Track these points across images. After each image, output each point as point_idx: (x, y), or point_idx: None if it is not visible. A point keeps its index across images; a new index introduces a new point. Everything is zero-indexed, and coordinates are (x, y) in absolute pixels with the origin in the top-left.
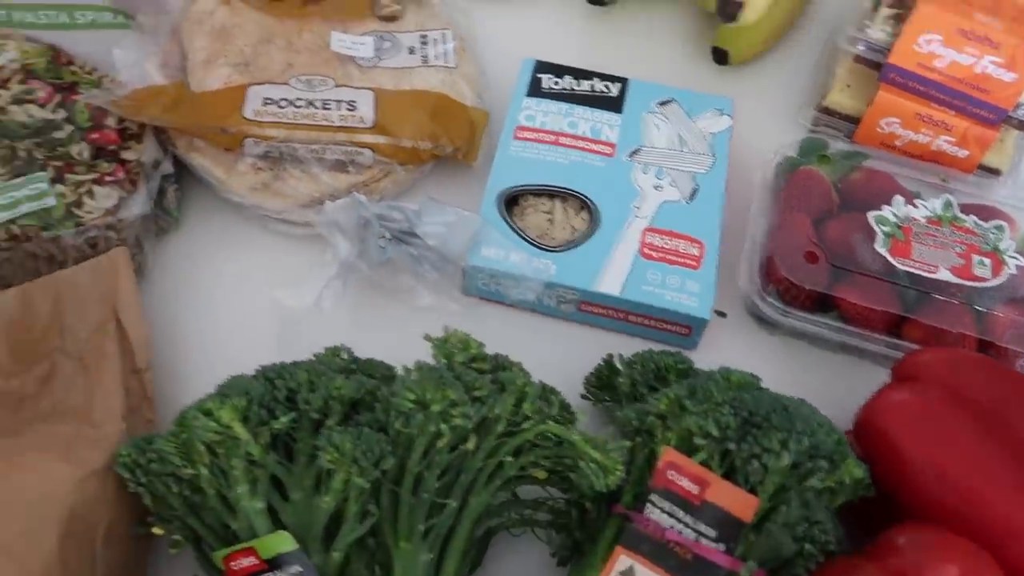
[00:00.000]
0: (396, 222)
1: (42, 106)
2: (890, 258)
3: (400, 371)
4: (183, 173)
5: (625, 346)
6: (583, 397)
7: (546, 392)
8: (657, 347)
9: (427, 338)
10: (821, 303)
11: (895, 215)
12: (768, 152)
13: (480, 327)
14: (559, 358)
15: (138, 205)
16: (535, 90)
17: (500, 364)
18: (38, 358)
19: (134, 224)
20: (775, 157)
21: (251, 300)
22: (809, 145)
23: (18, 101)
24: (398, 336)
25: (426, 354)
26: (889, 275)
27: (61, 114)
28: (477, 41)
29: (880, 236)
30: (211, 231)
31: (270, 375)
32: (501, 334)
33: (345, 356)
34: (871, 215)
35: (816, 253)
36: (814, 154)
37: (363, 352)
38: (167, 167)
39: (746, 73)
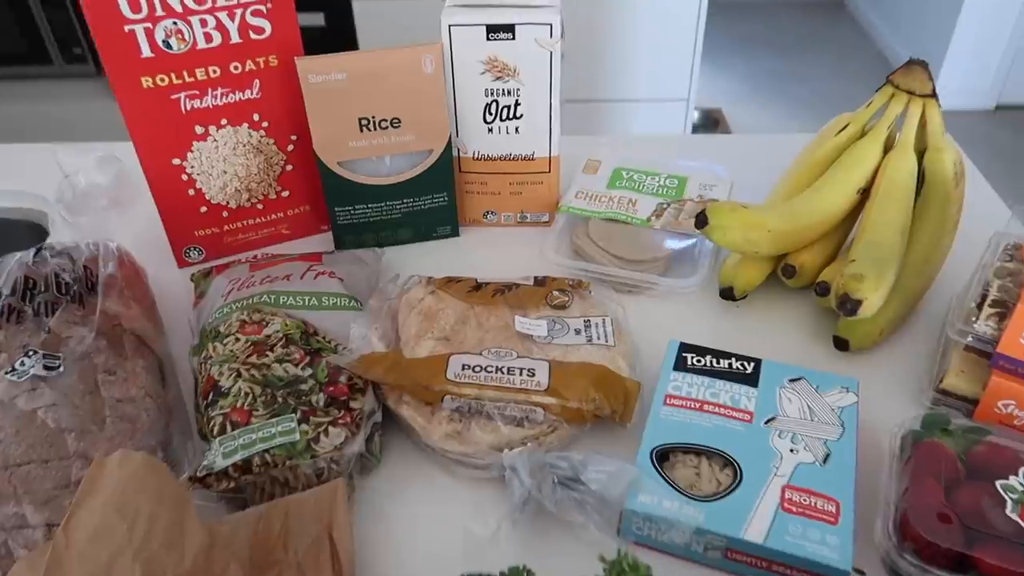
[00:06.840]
0: (563, 470)
1: (296, 365)
2: (1022, 523)
3: None
4: (387, 422)
5: None
6: None
7: None
8: None
9: (601, 558)
10: (959, 564)
11: (1022, 484)
12: (893, 425)
13: None
14: None
15: (357, 444)
16: (681, 365)
17: None
18: (269, 567)
19: (351, 460)
20: (900, 430)
21: (441, 529)
22: (932, 419)
23: (279, 360)
24: (567, 563)
25: None
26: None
27: (308, 371)
28: (630, 325)
29: (1010, 503)
30: (407, 471)
31: None
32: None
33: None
34: (999, 483)
35: (949, 515)
36: (937, 428)
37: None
38: (378, 416)
39: (866, 358)
